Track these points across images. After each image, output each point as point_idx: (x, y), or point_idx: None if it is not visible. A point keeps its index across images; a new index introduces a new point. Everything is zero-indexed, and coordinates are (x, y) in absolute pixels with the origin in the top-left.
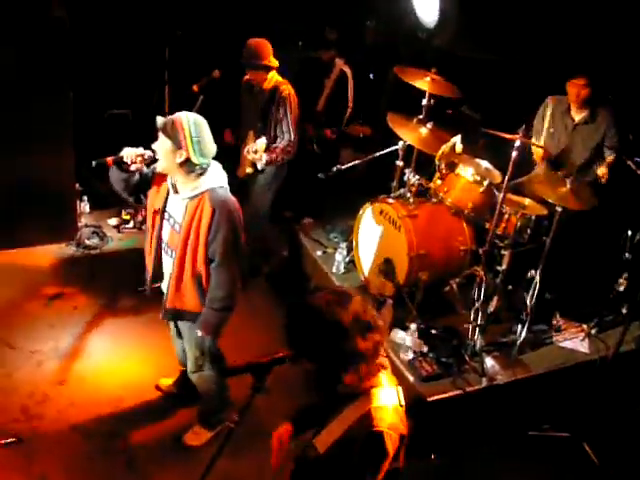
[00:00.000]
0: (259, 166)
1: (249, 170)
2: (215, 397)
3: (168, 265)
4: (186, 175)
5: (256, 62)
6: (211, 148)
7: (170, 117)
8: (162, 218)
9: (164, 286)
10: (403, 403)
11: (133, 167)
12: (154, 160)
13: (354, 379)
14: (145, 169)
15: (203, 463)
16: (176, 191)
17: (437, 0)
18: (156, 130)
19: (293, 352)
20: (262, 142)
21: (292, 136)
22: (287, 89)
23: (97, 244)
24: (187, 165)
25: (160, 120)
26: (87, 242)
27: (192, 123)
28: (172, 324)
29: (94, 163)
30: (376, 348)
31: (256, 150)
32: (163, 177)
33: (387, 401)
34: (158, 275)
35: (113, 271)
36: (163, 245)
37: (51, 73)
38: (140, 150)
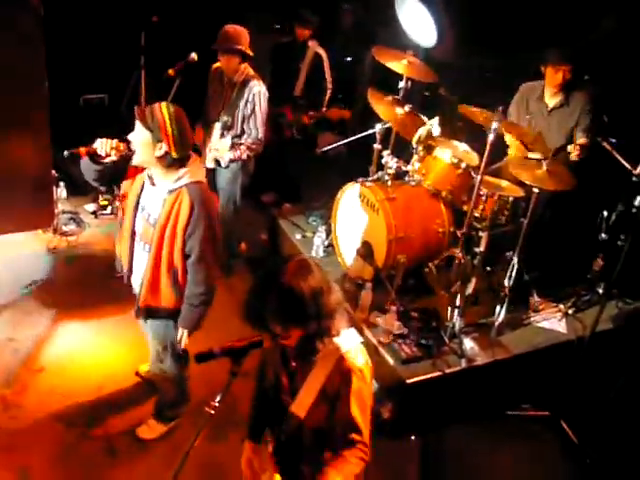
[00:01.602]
0: (222, 164)
1: (210, 165)
2: (172, 391)
3: (140, 258)
4: (164, 168)
5: (230, 45)
6: (190, 141)
7: (149, 107)
8: (135, 209)
9: (135, 281)
10: (362, 339)
11: (107, 159)
12: (129, 152)
13: (334, 332)
14: (117, 160)
15: (183, 448)
16: (153, 183)
17: (434, 24)
18: (133, 116)
19: (279, 324)
20: (226, 143)
21: (259, 134)
22: (258, 85)
23: (74, 230)
24: (166, 158)
25: (139, 110)
26: (64, 228)
27: (173, 115)
28: None
29: (66, 153)
30: (341, 297)
31: (218, 149)
32: (138, 167)
33: (351, 343)
34: (130, 267)
35: (90, 257)
36: (136, 237)
37: (26, 59)
38: (114, 142)
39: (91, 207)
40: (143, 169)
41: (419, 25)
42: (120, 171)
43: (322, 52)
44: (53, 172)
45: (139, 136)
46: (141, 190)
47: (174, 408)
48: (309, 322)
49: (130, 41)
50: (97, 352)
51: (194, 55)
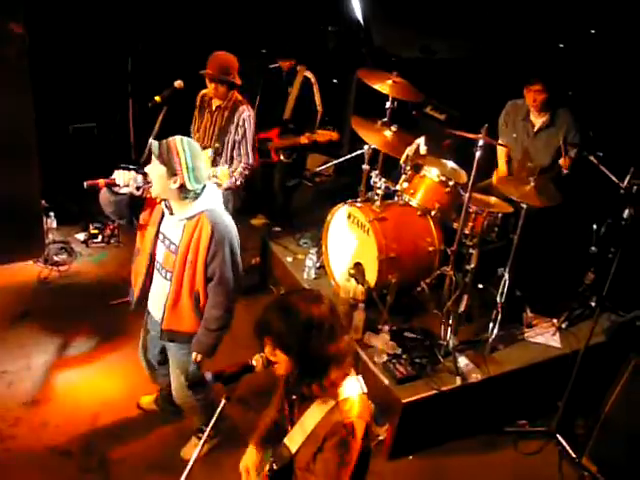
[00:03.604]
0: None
1: None
2: (202, 414)
3: (160, 286)
4: (181, 200)
5: (223, 77)
6: (205, 173)
7: (164, 141)
8: (156, 238)
9: (153, 307)
10: (366, 390)
11: (124, 190)
12: (146, 183)
13: (327, 382)
14: (136, 192)
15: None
16: (171, 213)
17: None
18: (123, 141)
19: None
20: (224, 170)
21: (250, 159)
22: (247, 109)
23: (65, 260)
24: (182, 190)
25: (155, 145)
26: (55, 258)
27: (187, 149)
28: (143, 340)
29: (85, 185)
30: (347, 349)
31: (217, 176)
32: (155, 200)
33: (352, 391)
34: (144, 298)
35: (83, 287)
36: (157, 266)
37: (12, 89)
38: (132, 173)
39: (82, 236)
40: (161, 200)
41: None
42: (138, 203)
43: (311, 76)
44: (43, 202)
45: (155, 170)
46: (160, 220)
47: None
48: (291, 348)
49: (117, 69)
50: (92, 382)
51: (180, 82)
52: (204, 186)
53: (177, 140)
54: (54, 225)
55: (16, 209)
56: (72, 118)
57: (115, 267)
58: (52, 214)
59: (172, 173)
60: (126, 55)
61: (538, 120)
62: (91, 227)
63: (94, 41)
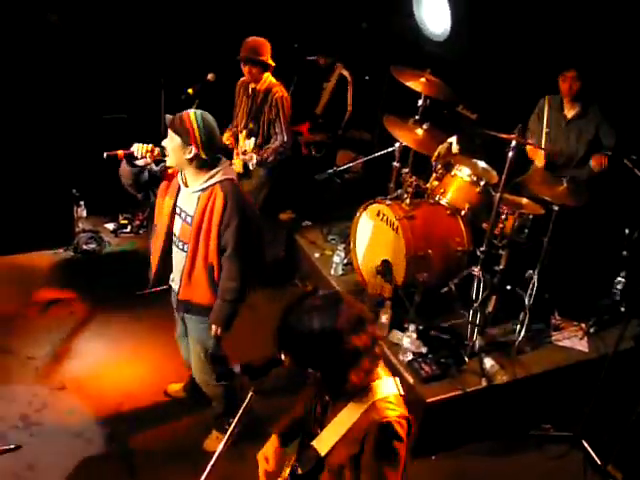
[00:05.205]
0: (250, 166)
1: (239, 170)
2: (223, 399)
3: (178, 259)
4: (196, 169)
5: (254, 57)
6: (219, 143)
7: (179, 114)
8: (173, 213)
9: (174, 282)
10: (402, 392)
11: (141, 162)
12: (163, 157)
13: (361, 376)
14: (154, 167)
15: (203, 467)
16: (186, 185)
17: (448, 12)
18: (154, 133)
19: (295, 364)
20: (250, 142)
21: (285, 137)
22: (280, 91)
23: (95, 249)
24: (197, 160)
25: (169, 117)
26: (84, 247)
27: (200, 119)
28: (179, 324)
29: (105, 155)
30: (373, 340)
31: (245, 151)
32: (172, 175)
33: (388, 391)
34: (163, 274)
35: (111, 276)
36: (174, 239)
37: (45, 77)
38: (150, 146)
39: (111, 226)
40: (177, 173)
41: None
42: (155, 179)
43: (348, 75)
44: (74, 191)
45: (171, 141)
46: (177, 195)
47: (230, 418)
48: (303, 364)
49: (149, 61)
50: (119, 370)
51: (212, 75)
52: (219, 158)
53: (190, 112)
54: (84, 214)
55: (47, 197)
56: (104, 108)
57: (143, 257)
58: (82, 203)
59: (186, 143)
60: (159, 51)
61: (571, 111)
62: (120, 217)
63: (127, 33)
